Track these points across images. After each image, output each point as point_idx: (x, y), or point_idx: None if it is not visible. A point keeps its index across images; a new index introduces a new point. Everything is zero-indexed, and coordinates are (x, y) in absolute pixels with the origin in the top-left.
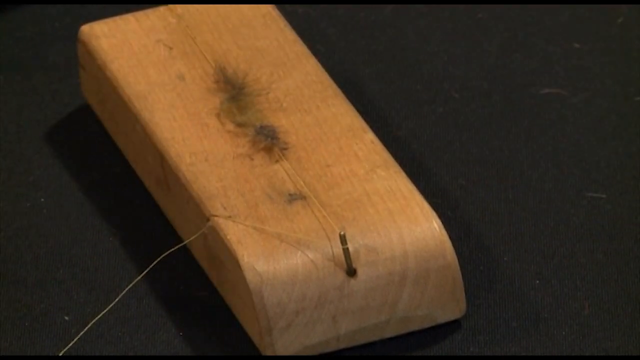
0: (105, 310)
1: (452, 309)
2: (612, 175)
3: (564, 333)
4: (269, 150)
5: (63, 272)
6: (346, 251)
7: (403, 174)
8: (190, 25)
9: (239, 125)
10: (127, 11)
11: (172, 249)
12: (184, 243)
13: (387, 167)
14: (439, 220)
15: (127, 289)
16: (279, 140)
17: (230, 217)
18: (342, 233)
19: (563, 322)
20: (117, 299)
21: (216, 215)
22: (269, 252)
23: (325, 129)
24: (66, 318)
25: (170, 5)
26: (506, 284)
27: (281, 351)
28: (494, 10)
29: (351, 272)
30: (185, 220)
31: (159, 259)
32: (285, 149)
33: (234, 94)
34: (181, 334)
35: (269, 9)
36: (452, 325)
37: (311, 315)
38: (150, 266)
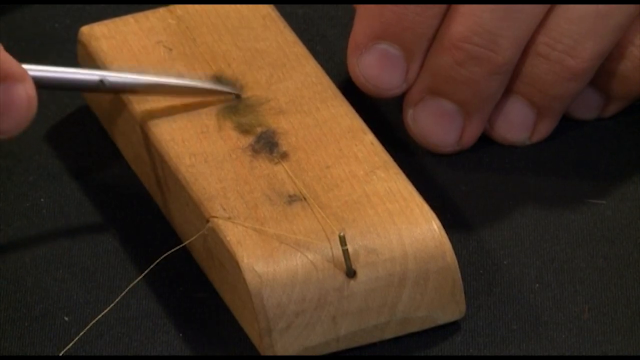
0: (105, 311)
1: (452, 310)
2: (612, 181)
3: (563, 336)
4: (268, 152)
5: (63, 272)
6: (346, 252)
7: (403, 176)
8: (190, 26)
9: (239, 126)
10: (127, 12)
11: (172, 250)
12: (184, 244)
13: (386, 168)
14: (438, 222)
15: (127, 290)
16: (278, 147)
17: (229, 218)
18: (341, 234)
19: (563, 326)
20: (117, 300)
21: (216, 217)
22: (269, 254)
23: (325, 130)
24: (66, 318)
25: (170, 7)
26: (506, 287)
27: (281, 352)
28: None
29: (351, 274)
30: (185, 221)
31: (158, 260)
32: (285, 150)
33: (233, 98)
34: (181, 334)
35: (268, 10)
36: (452, 327)
37: (311, 317)
38: (150, 267)
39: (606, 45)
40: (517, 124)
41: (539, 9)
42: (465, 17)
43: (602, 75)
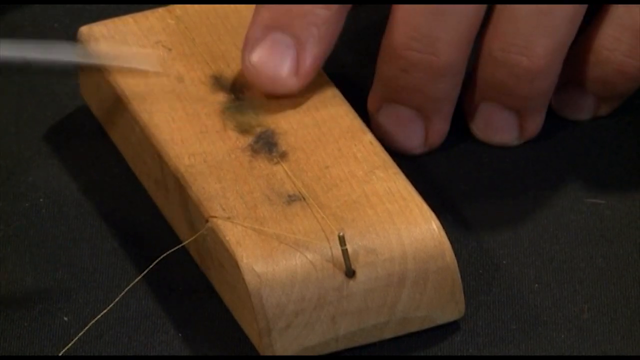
0: (105, 311)
1: (451, 310)
2: (612, 180)
3: (562, 336)
4: (267, 152)
5: (62, 272)
6: (345, 252)
7: (402, 175)
8: (189, 26)
9: (238, 126)
10: (126, 12)
11: (172, 250)
12: (183, 244)
13: (386, 168)
14: (438, 222)
15: (126, 290)
16: (277, 147)
17: (229, 218)
18: (341, 234)
19: (562, 326)
20: (116, 300)
21: (215, 217)
22: (268, 253)
23: (324, 130)
24: (65, 318)
25: (169, 7)
26: (505, 287)
27: (280, 352)
28: None
29: (350, 274)
30: (184, 221)
31: (158, 260)
32: (284, 151)
33: (232, 98)
34: (180, 334)
35: None
36: (451, 327)
37: (310, 316)
38: (150, 267)
39: (559, 38)
40: (501, 128)
41: (472, 7)
42: (402, 24)
43: (587, 81)
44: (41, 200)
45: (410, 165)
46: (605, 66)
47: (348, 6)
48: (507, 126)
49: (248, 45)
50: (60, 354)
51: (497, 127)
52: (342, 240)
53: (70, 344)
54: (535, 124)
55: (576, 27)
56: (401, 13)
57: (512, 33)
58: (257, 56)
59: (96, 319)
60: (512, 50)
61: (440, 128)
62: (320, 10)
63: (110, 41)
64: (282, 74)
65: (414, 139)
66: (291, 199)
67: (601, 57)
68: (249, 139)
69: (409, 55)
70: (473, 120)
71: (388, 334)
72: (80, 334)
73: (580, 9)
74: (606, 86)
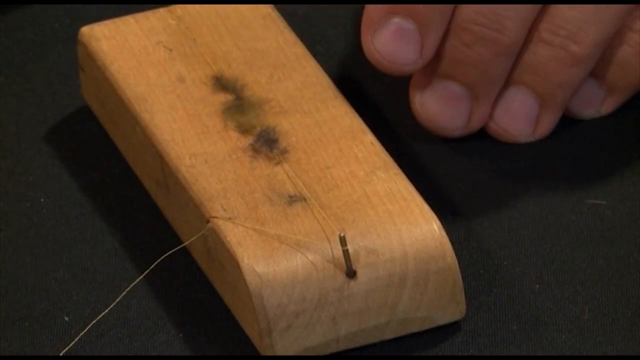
0: (106, 311)
1: (452, 310)
2: (612, 181)
3: (563, 337)
4: (268, 152)
5: (63, 272)
6: (346, 253)
7: (403, 176)
8: (190, 26)
9: (239, 126)
10: (127, 13)
11: (172, 250)
12: (184, 244)
13: (387, 168)
14: (438, 222)
15: (127, 290)
16: (278, 143)
17: (230, 218)
18: (341, 235)
19: (563, 326)
20: (117, 300)
21: (216, 217)
22: (269, 254)
23: (325, 130)
24: (66, 318)
25: (170, 7)
26: (506, 287)
27: (281, 352)
28: None
29: (351, 274)
30: (185, 221)
31: (159, 260)
32: (285, 151)
33: (233, 98)
34: (181, 335)
35: (268, 10)
36: (452, 327)
37: (311, 317)
38: (151, 267)
39: (608, 31)
40: (520, 116)
41: None
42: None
43: (602, 62)
44: (42, 200)
45: (411, 165)
46: (626, 47)
47: None
48: (527, 116)
49: (370, 28)
50: (61, 354)
51: (516, 115)
52: (343, 241)
53: (71, 344)
54: (552, 121)
55: (621, 25)
56: None
57: (565, 17)
58: (381, 43)
59: (97, 319)
60: (561, 33)
61: (484, 111)
62: None
63: (112, 41)
64: (409, 60)
65: (458, 120)
66: (292, 200)
67: (624, 36)
68: (249, 139)
69: (475, 29)
70: (495, 105)
71: (389, 335)
72: (81, 334)
73: (629, 9)
74: (621, 69)
